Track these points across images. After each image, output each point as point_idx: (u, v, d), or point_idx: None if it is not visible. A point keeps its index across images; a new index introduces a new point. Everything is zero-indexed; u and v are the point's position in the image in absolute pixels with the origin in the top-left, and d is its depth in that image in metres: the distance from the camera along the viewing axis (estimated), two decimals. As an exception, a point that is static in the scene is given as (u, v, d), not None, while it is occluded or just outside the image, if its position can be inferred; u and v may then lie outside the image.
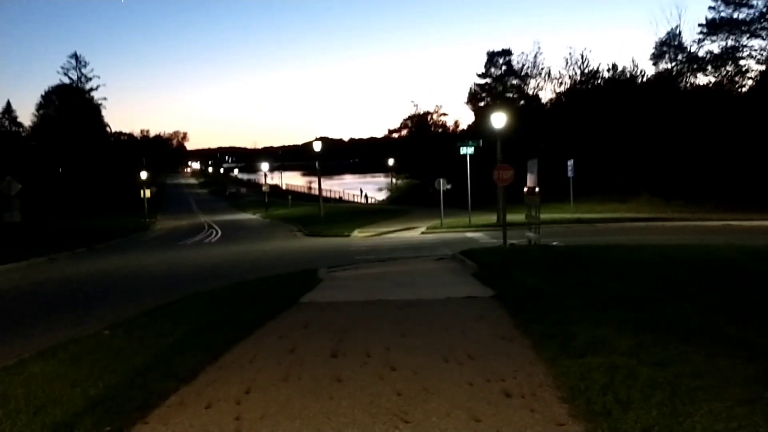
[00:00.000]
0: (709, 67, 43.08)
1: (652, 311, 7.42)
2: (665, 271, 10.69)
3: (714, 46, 43.46)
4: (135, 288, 15.15)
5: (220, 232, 39.26)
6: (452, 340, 6.91)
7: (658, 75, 47.50)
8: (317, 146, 36.94)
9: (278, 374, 5.87)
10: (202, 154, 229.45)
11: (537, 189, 17.40)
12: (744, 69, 42.07)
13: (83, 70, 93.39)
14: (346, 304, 9.70)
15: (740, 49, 41.47)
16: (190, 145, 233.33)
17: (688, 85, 45.86)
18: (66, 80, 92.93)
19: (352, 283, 12.56)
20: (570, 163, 31.40)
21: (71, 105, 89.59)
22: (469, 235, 26.42)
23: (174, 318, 8.67)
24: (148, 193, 56.84)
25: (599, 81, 52.67)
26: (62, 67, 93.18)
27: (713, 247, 14.16)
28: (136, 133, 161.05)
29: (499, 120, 26.03)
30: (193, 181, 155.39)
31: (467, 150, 31.70)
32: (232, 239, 33.42)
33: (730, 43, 42.11)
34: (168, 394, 5.32)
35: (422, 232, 29.27)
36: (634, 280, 9.92)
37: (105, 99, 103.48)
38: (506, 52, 61.15)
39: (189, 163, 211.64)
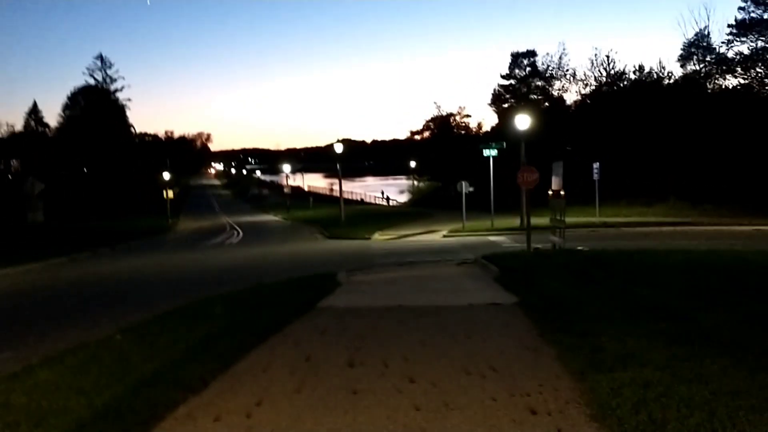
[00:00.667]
0: (739, 69, 42.15)
1: (686, 321, 7.05)
2: (698, 277, 10.27)
3: (743, 47, 42.59)
4: (152, 290, 15.03)
5: (241, 234, 39.23)
6: (474, 350, 6.62)
7: (686, 76, 46.64)
8: (338, 148, 36.78)
9: (292, 384, 5.63)
10: (226, 156, 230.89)
11: (562, 192, 17.00)
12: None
13: (108, 71, 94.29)
14: (364, 310, 9.44)
15: (771, 50, 40.56)
16: (213, 146, 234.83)
17: (716, 87, 44.98)
18: (91, 81, 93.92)
19: (371, 288, 12.30)
20: (596, 165, 30.82)
21: (96, 106, 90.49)
22: (492, 238, 26.03)
23: (188, 323, 8.46)
24: (170, 193, 57.08)
25: (625, 83, 51.87)
26: (87, 68, 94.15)
27: (746, 254, 13.68)
28: (161, 134, 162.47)
29: (523, 121, 25.64)
30: (216, 182, 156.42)
31: (490, 152, 31.31)
32: (253, 241, 33.34)
33: (760, 44, 41.21)
34: (176, 405, 5.10)
35: (444, 236, 28.92)
36: (666, 287, 9.52)
37: (129, 100, 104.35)
38: (530, 53, 60.58)
39: (212, 164, 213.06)
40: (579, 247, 17.33)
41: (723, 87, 44.53)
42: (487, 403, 4.93)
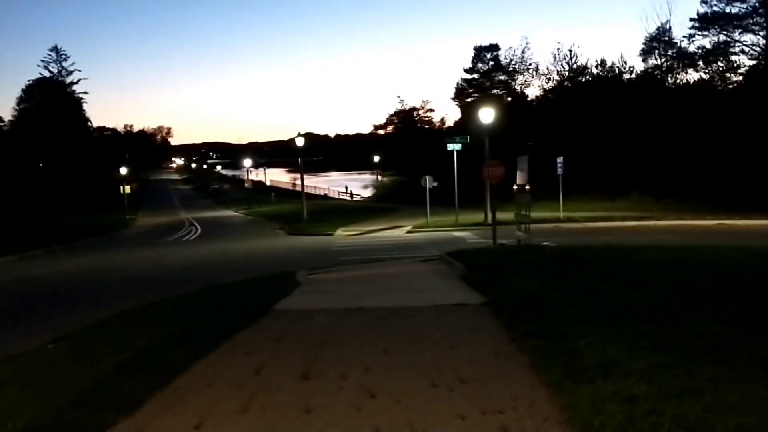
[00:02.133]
0: (700, 63, 42.53)
1: (668, 324, 6.62)
2: (676, 275, 9.91)
3: (705, 41, 42.94)
4: (102, 291, 14.24)
5: (200, 230, 38.24)
6: (441, 358, 6.09)
7: (648, 71, 46.94)
8: (299, 142, 35.97)
9: (238, 402, 5.02)
10: (187, 150, 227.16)
11: (527, 187, 16.63)
12: (735, 65, 41.57)
13: (64, 64, 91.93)
14: (324, 313, 8.85)
15: (732, 44, 40.94)
16: (175, 141, 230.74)
17: (677, 81, 45.35)
18: (46, 74, 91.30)
19: (332, 287, 11.72)
20: (560, 160, 30.62)
21: (52, 99, 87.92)
22: (457, 234, 25.62)
23: (132, 329, 7.77)
24: (128, 189, 55.68)
25: (587, 77, 52.08)
26: (43, 60, 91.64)
27: (720, 249, 13.44)
28: (120, 128, 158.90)
29: (487, 115, 25.28)
30: (177, 176, 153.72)
31: (454, 146, 30.90)
32: (211, 237, 32.44)
33: (722, 38, 41.59)
34: (102, 430, 4.45)
35: (408, 231, 28.43)
36: (642, 285, 9.12)
37: (86, 93, 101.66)
38: (493, 47, 60.56)
39: (173, 158, 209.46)
40: (544, 243, 16.99)
41: (685, 81, 44.94)
42: (455, 423, 4.40)
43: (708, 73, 42.80)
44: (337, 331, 7.52)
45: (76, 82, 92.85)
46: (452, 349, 6.47)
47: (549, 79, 56.18)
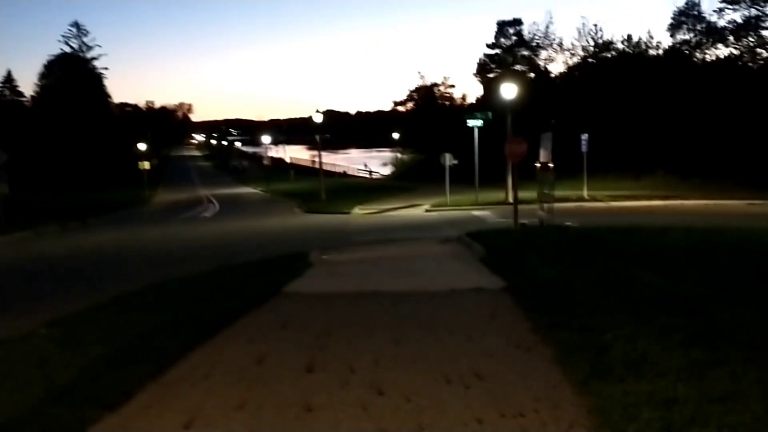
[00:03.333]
0: (730, 38, 41.08)
1: (701, 315, 6.10)
2: (704, 259, 9.34)
3: (736, 15, 41.39)
4: (111, 269, 13.97)
5: (217, 207, 38.03)
6: (456, 350, 5.64)
7: (675, 46, 45.60)
8: (317, 118, 35.43)
9: (235, 397, 4.62)
10: (208, 126, 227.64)
11: (551, 165, 16.06)
12: (766, 40, 40.07)
13: (84, 39, 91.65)
14: (334, 297, 8.44)
15: (764, 18, 39.42)
16: (195, 117, 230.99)
17: (706, 57, 44.02)
18: (67, 49, 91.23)
19: (345, 269, 11.29)
20: (584, 137, 29.81)
21: (73, 75, 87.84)
22: (476, 213, 25.04)
23: (131, 313, 7.42)
24: (147, 165, 55.46)
25: (613, 53, 50.77)
26: (63, 36, 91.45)
27: (752, 232, 12.80)
28: (141, 104, 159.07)
29: (509, 91, 24.62)
30: (197, 153, 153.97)
31: (475, 122, 30.19)
32: (228, 215, 32.19)
33: (753, 12, 40.05)
34: (83, 428, 4.07)
35: (426, 210, 27.90)
36: (671, 271, 8.57)
37: (107, 69, 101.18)
38: (517, 22, 59.18)
39: (194, 135, 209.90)
40: (567, 223, 16.38)
41: (714, 58, 43.57)
42: (471, 428, 3.97)
43: (738, 48, 41.38)
44: (346, 317, 7.10)
45: (97, 58, 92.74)
46: (469, 339, 6.02)
47: (573, 54, 54.91)
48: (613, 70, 46.55)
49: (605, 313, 6.46)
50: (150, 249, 18.11)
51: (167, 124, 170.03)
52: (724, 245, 10.76)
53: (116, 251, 17.96)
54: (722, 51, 43.24)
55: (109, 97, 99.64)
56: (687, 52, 44.69)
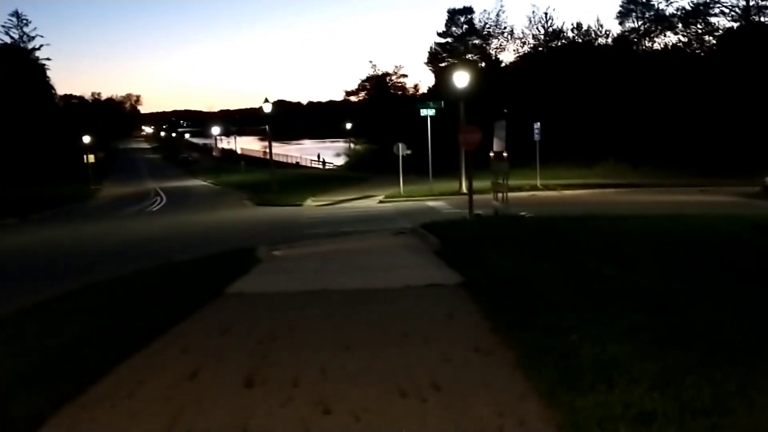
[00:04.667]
0: (679, 25, 41.65)
1: (672, 311, 5.75)
2: (667, 251, 9.06)
3: (684, 2, 42.05)
4: (45, 269, 13.10)
5: (165, 200, 36.93)
6: (412, 356, 5.17)
7: (624, 34, 46.04)
8: (267, 108, 34.49)
9: (161, 420, 4.06)
10: (157, 118, 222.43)
11: (505, 154, 15.77)
12: (714, 27, 40.71)
13: (25, 29, 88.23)
14: (281, 297, 7.88)
15: (712, 5, 40.04)
16: (144, 109, 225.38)
17: (654, 44, 44.56)
18: (7, 40, 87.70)
19: (294, 265, 10.72)
20: (537, 126, 29.81)
21: (14, 66, 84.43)
22: (431, 204, 24.71)
23: (53, 321, 6.74)
24: (92, 158, 53.63)
25: (563, 41, 51.06)
26: (3, 26, 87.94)
27: (709, 219, 12.69)
28: (87, 96, 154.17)
29: (461, 79, 24.32)
30: (146, 145, 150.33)
31: (428, 112, 29.87)
32: (176, 208, 31.18)
33: (701, -1, 40.62)
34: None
35: (380, 201, 27.47)
36: (634, 263, 8.25)
37: (49, 59, 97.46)
38: (468, 10, 59.08)
39: (143, 127, 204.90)
40: (522, 213, 16.11)
41: (663, 45, 44.11)
42: (430, 452, 3.49)
43: (686, 35, 42.00)
44: (293, 321, 6.56)
45: (38, 48, 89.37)
46: (425, 343, 5.55)
47: (524, 43, 55.14)
48: (563, 59, 46.78)
49: (568, 310, 6.07)
50: (89, 247, 17.22)
51: (115, 116, 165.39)
52: (683, 234, 10.55)
53: (53, 250, 16.99)
54: (670, 39, 43.84)
55: (53, 88, 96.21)
56: (635, 39, 45.18)
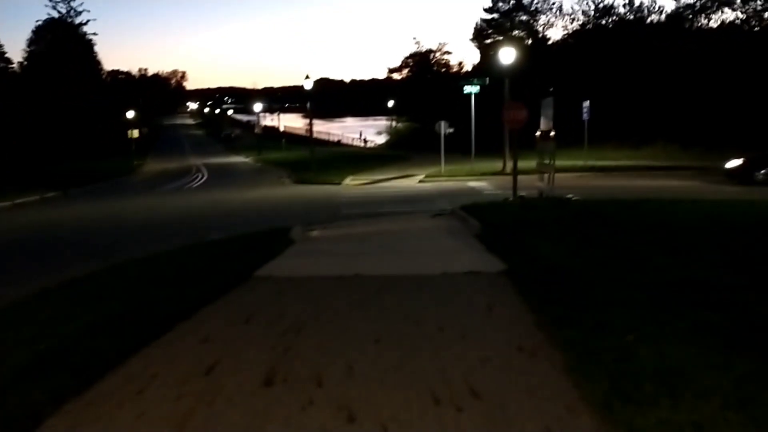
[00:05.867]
0: (738, 1, 39.56)
1: (738, 309, 5.15)
2: (726, 238, 8.39)
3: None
4: (77, 246, 12.99)
5: (205, 177, 37.01)
6: (447, 354, 4.70)
7: (678, 11, 44.18)
8: (308, 84, 34.04)
9: (168, 425, 3.68)
10: (202, 94, 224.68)
11: (552, 133, 15.05)
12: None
13: (72, 4, 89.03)
14: (312, 281, 7.47)
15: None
16: (189, 85, 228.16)
17: (710, 22, 42.64)
18: (55, 14, 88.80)
19: (328, 248, 10.32)
20: (586, 104, 28.78)
21: (61, 40, 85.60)
22: (472, 184, 24.06)
23: (74, 303, 6.46)
24: (135, 133, 54.17)
25: (614, 17, 49.32)
26: (50, 0, 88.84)
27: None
28: (134, 71, 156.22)
29: (507, 55, 23.51)
30: (190, 121, 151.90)
31: (472, 89, 29.07)
32: (215, 185, 31.16)
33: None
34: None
35: (420, 181, 26.91)
36: (688, 252, 7.61)
37: (96, 34, 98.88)
38: (516, -16, 57.42)
39: (188, 103, 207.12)
40: (569, 196, 15.42)
41: (720, 22, 42.14)
42: (464, 475, 3.03)
43: (744, 12, 39.93)
44: (322, 309, 6.14)
45: (85, 23, 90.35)
46: (462, 338, 5.08)
47: (573, 19, 53.45)
48: (613, 36, 45.22)
49: (620, 304, 5.53)
50: (128, 222, 17.15)
51: (160, 92, 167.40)
52: (742, 221, 9.80)
53: (87, 226, 16.96)
54: (728, 15, 41.81)
55: (100, 63, 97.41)
56: (690, 16, 43.27)
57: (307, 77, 33.44)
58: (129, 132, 54.01)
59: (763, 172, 21.08)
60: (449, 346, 4.88)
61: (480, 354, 4.67)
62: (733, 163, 21.92)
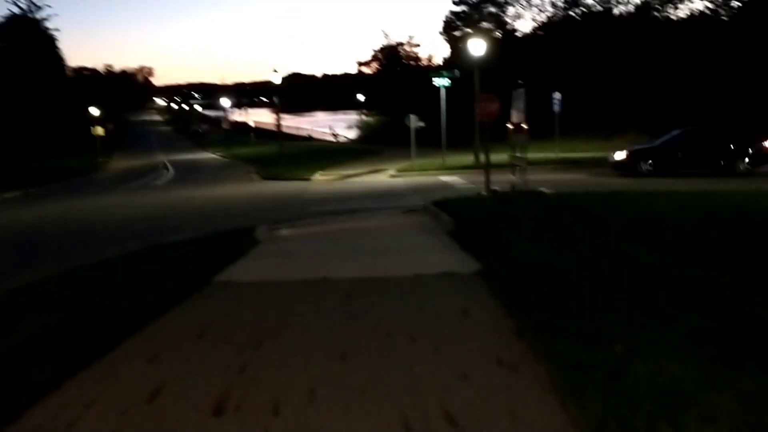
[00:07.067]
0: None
1: (734, 312, 4.77)
2: (711, 233, 8.05)
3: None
4: (24, 252, 12.26)
5: (172, 173, 36.17)
6: (420, 370, 4.24)
7: (646, 1, 44.27)
8: (276, 78, 33.39)
9: (98, 467, 3.17)
10: (170, 90, 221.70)
11: (524, 125, 14.72)
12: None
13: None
14: (274, 287, 6.96)
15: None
16: (157, 81, 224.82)
17: (678, 13, 42.83)
18: (16, 10, 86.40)
19: (294, 248, 9.80)
20: (556, 96, 28.55)
21: (23, 36, 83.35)
22: (444, 179, 23.66)
23: (12, 315, 5.87)
24: (100, 130, 52.82)
25: (582, 9, 49.33)
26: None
27: (744, 195, 11.64)
28: (100, 68, 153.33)
29: (477, 47, 23.15)
30: (158, 118, 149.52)
31: (442, 81, 28.63)
32: (181, 182, 30.38)
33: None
34: None
35: (391, 175, 26.43)
36: (675, 248, 7.25)
37: (58, 30, 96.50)
38: (484, -24, 57.08)
39: (155, 99, 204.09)
40: (541, 189, 15.09)
41: (688, 13, 42.35)
42: None
43: (713, 1, 40.08)
44: (283, 319, 5.64)
45: (48, 19, 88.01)
46: (436, 351, 4.62)
47: (541, 11, 53.44)
48: (582, 28, 45.18)
49: (606, 308, 5.13)
50: (81, 224, 16.36)
51: (127, 88, 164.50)
52: (724, 213, 9.50)
53: (41, 228, 16.22)
54: (696, 5, 42.06)
55: (64, 60, 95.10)
56: (658, 7, 43.39)
57: (275, 71, 32.77)
58: (93, 129, 52.64)
59: (648, 163, 21.21)
60: (422, 361, 4.42)
61: (456, 369, 4.22)
62: (619, 155, 22.00)
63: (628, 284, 5.80)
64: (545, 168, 23.72)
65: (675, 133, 22.18)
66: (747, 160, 20.64)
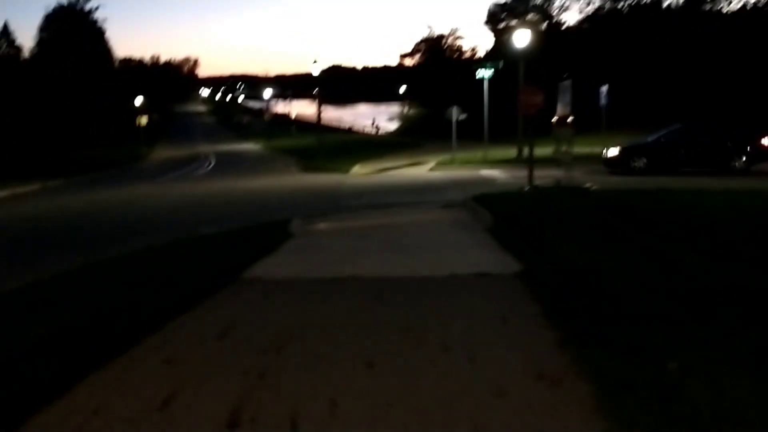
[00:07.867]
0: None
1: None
2: (764, 234, 7.51)
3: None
4: (59, 241, 12.23)
5: (212, 164, 36.40)
6: (453, 383, 3.90)
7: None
8: (315, 70, 33.25)
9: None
10: (214, 81, 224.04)
11: (570, 119, 14.21)
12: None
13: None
14: (302, 285, 6.68)
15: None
16: (202, 72, 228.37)
17: (731, 6, 41.32)
18: (64, 1, 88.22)
19: (326, 243, 9.54)
20: (603, 89, 27.75)
21: (72, 27, 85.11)
22: (485, 173, 23.15)
23: (27, 311, 5.71)
24: (143, 120, 53.40)
25: (632, 1, 47.97)
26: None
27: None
28: (146, 59, 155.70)
29: (521, 38, 22.65)
30: (202, 108, 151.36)
31: (485, 73, 28.09)
32: (221, 173, 30.49)
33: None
34: None
35: (430, 169, 26.02)
36: (733, 251, 6.74)
37: (105, 20, 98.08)
38: (530, -32, 56.10)
39: (200, 90, 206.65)
40: (587, 185, 14.54)
41: (740, 4, 40.80)
42: None
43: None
44: (309, 320, 5.35)
45: (95, 9, 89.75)
46: (471, 361, 4.27)
47: (589, 2, 52.09)
48: (629, 20, 43.97)
49: (657, 319, 4.70)
50: (117, 213, 16.42)
51: (173, 79, 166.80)
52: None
53: (81, 215, 16.30)
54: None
55: (111, 50, 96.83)
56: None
57: (315, 62, 32.65)
58: (137, 119, 53.33)
59: (642, 160, 20.39)
60: (455, 373, 4.07)
61: (491, 384, 3.86)
62: (612, 152, 21.21)
63: (680, 291, 5.35)
64: (591, 163, 22.97)
65: (670, 129, 21.34)
66: (744, 158, 19.72)
